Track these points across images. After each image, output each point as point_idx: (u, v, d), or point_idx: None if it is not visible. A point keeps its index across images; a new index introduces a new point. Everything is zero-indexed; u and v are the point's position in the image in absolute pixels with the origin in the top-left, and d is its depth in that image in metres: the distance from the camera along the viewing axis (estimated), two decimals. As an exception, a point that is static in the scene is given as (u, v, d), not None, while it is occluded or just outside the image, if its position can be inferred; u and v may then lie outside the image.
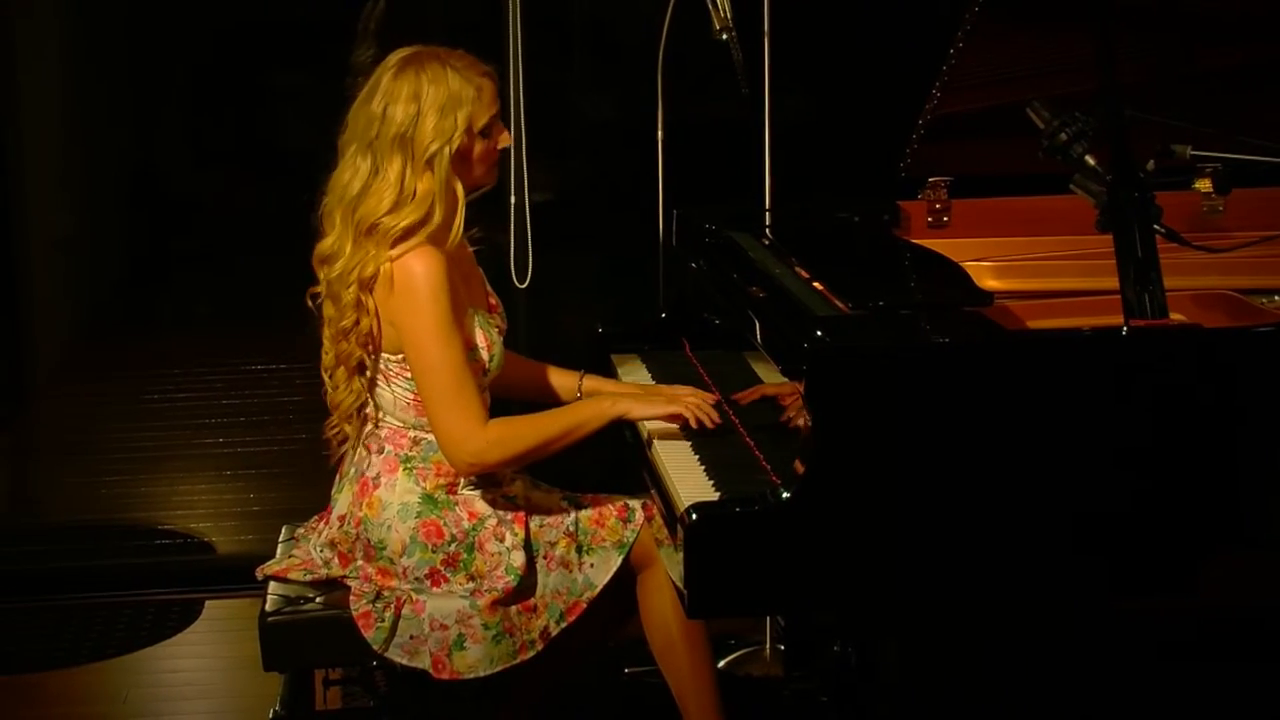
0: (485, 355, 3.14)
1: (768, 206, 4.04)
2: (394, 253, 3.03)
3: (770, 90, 3.99)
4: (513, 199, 4.30)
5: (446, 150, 3.04)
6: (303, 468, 5.14)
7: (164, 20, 5.29)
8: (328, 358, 3.16)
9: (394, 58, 3.10)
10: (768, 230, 3.79)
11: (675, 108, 4.07)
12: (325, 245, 3.12)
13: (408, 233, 3.03)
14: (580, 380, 3.41)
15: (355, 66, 4.39)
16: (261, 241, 5.32)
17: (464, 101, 3.04)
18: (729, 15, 3.70)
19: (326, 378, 3.18)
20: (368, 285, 3.05)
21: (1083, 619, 2.86)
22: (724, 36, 3.72)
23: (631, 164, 4.36)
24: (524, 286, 4.31)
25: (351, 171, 3.08)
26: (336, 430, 3.21)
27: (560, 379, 3.42)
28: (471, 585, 3.09)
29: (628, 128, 4.53)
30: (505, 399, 3.32)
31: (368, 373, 3.13)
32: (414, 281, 3.00)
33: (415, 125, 3.02)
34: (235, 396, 5.50)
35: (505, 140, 3.15)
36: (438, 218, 3.04)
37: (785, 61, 4.00)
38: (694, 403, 3.14)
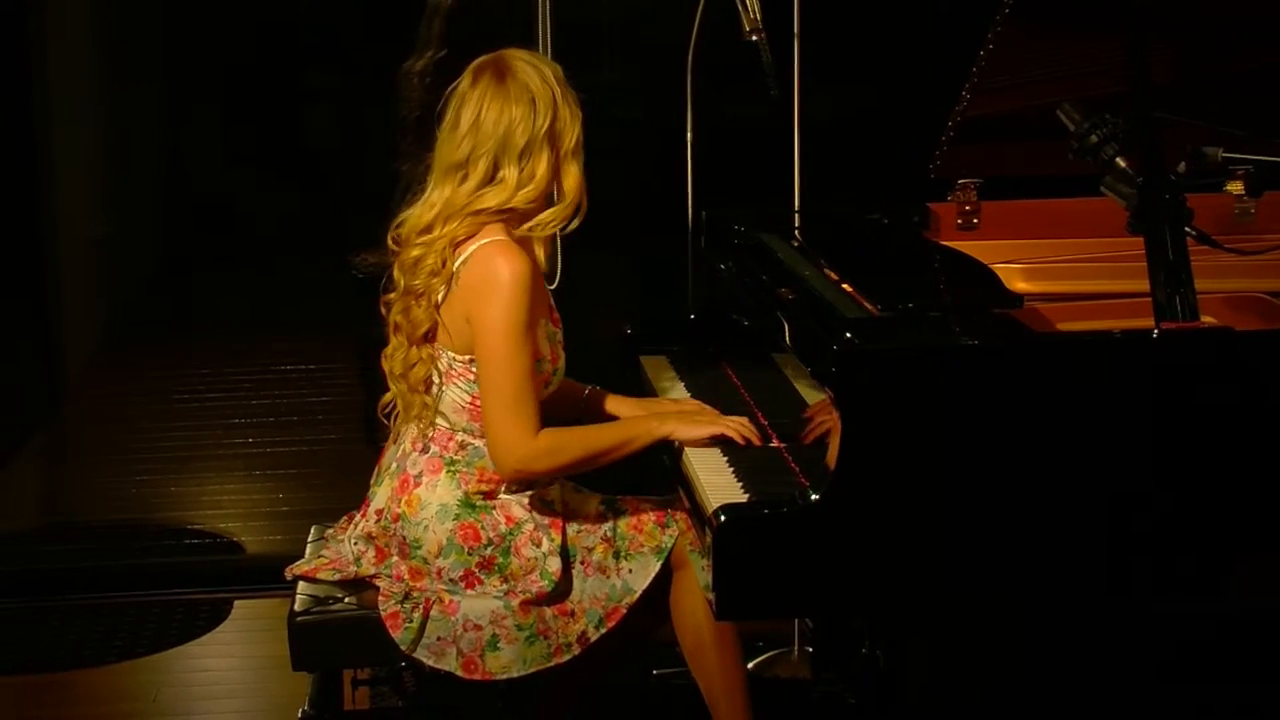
0: (549, 368, 3.17)
1: (797, 208, 4.03)
2: (484, 245, 3.06)
3: (799, 91, 3.98)
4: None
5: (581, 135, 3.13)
6: (331, 468, 5.16)
7: (197, 21, 5.31)
8: (397, 351, 3.16)
9: (482, 73, 3.12)
10: (797, 232, 3.78)
11: (705, 109, 4.06)
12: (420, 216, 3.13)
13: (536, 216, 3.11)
14: (585, 393, 3.41)
15: (412, 72, 4.39)
16: (292, 242, 5.34)
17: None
18: (758, 16, 3.69)
19: (395, 379, 3.18)
20: (454, 246, 3.08)
21: (1115, 621, 2.85)
22: (753, 37, 3.71)
23: (661, 165, 4.35)
24: (553, 288, 4.30)
25: (454, 187, 3.09)
26: (416, 406, 3.16)
27: (569, 390, 3.42)
28: (505, 587, 3.10)
29: (657, 129, 4.53)
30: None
31: (433, 341, 3.13)
32: (500, 279, 3.02)
33: (557, 114, 3.09)
34: (265, 397, 5.52)
35: None
36: (584, 207, 3.13)
37: (814, 63, 4.00)
38: (736, 424, 3.14)
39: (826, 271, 3.23)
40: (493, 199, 3.08)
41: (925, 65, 4.08)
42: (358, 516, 3.29)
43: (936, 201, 3.68)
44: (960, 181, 3.64)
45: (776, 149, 4.06)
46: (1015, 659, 2.89)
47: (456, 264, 3.08)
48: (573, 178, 3.12)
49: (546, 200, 3.14)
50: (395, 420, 3.25)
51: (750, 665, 4.00)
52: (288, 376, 5.55)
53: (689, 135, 4.07)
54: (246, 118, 5.44)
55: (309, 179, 5.34)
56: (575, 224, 3.16)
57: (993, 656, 2.90)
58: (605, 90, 4.94)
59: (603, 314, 4.64)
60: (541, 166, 3.09)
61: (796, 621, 4.11)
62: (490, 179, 3.09)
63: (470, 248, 3.08)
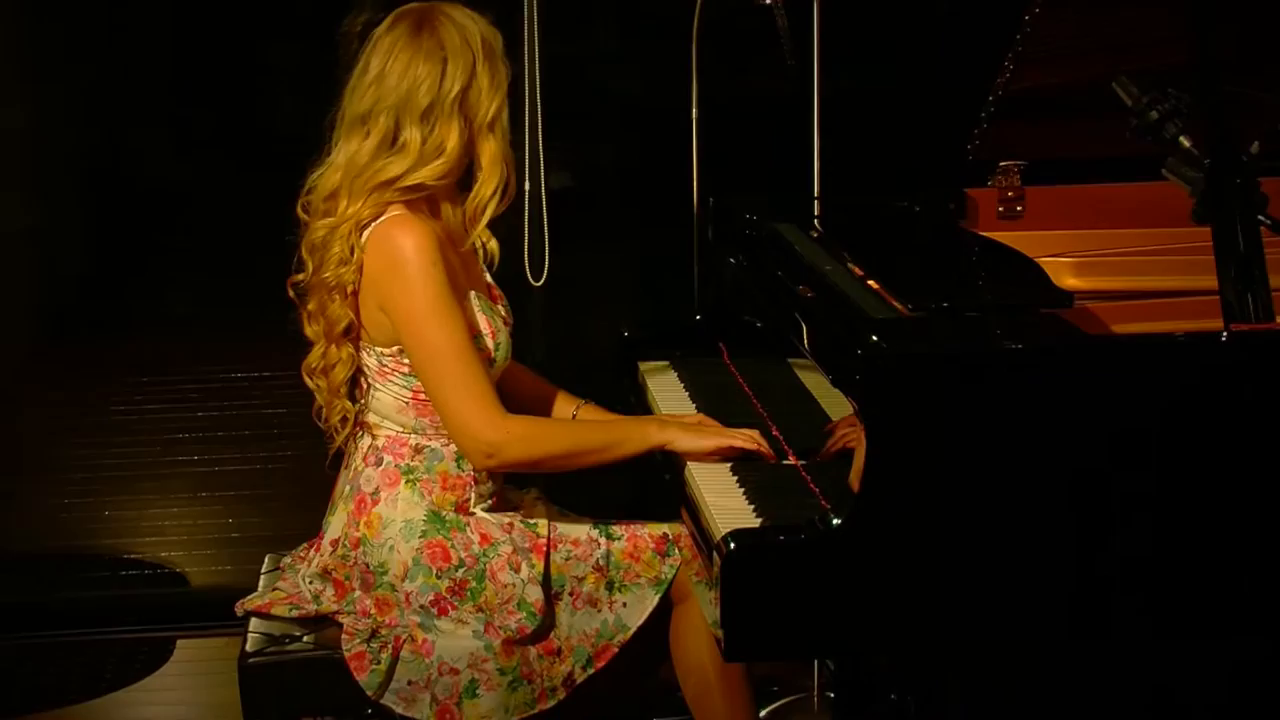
0: (490, 343, 3.16)
1: (816, 195, 4.03)
2: (380, 224, 3.07)
3: (819, 62, 3.98)
4: (528, 186, 4.30)
5: (504, 110, 3.13)
6: (288, 489, 5.16)
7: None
8: (315, 345, 3.18)
9: (401, 20, 3.14)
10: (816, 221, 3.79)
11: (712, 83, 4.06)
12: (318, 230, 3.14)
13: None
14: (576, 410, 3.39)
15: (352, 33, 4.39)
16: (243, 236, 5.32)
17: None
18: (773, -23, 3.70)
19: (312, 374, 3.19)
20: (360, 229, 3.08)
21: (1172, 659, 2.84)
22: (767, 1, 3.71)
23: (662, 147, 4.36)
24: (540, 285, 4.30)
25: (359, 142, 3.12)
26: (337, 411, 3.20)
27: (562, 406, 3.41)
28: (481, 617, 3.08)
29: (658, 106, 4.54)
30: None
31: (355, 338, 3.14)
32: (402, 254, 3.04)
33: (473, 81, 3.09)
34: (213, 408, 5.51)
35: None
36: (511, 184, 3.13)
37: (836, 30, 3.99)
38: (746, 437, 3.13)
39: (850, 266, 3.24)
40: (396, 168, 3.09)
41: (963, 32, 4.08)
42: (312, 552, 3.27)
43: (975, 187, 3.70)
44: (1002, 164, 3.66)
45: (793, 128, 4.05)
46: (1067, 705, 2.88)
47: (360, 248, 3.09)
48: (489, 152, 3.12)
49: (462, 182, 3.15)
50: (342, 438, 3.25)
51: (762, 714, 4.00)
52: (239, 385, 5.54)
53: (694, 113, 4.08)
54: (196, 97, 5.44)
55: (265, 165, 5.34)
56: (503, 203, 3.15)
57: (1039, 702, 2.89)
58: (599, 62, 4.95)
59: (597, 314, 4.64)
60: (452, 137, 3.09)
61: (816, 663, 4.11)
62: (392, 141, 3.09)
63: (370, 229, 3.09)
